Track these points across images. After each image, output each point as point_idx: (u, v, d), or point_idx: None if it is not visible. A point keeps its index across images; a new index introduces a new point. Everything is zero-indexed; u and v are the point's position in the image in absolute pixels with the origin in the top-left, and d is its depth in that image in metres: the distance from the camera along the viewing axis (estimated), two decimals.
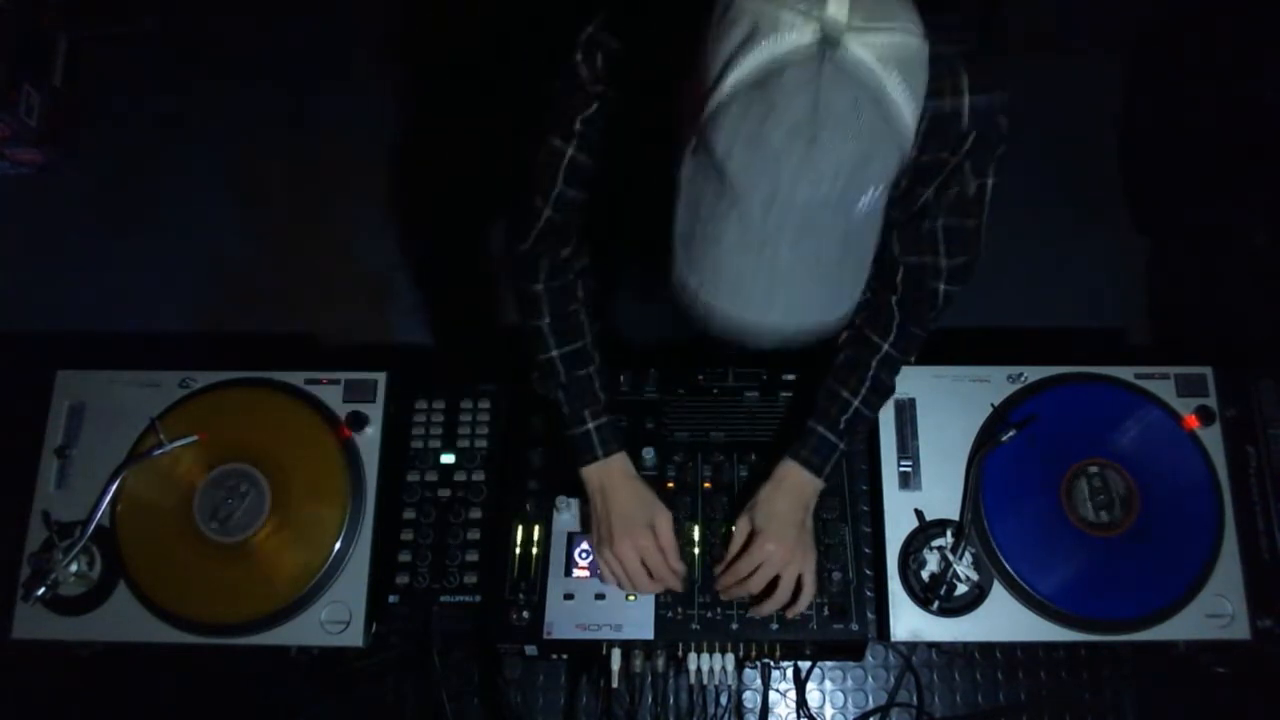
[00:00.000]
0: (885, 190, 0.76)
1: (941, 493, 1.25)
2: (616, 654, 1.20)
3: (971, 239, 1.13)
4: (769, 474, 1.18)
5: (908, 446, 1.28)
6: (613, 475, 1.18)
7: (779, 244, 0.74)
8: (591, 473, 1.18)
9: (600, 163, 1.05)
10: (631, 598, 1.20)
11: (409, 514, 1.29)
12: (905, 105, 0.72)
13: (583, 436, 1.18)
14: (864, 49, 0.69)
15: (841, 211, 0.74)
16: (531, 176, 1.08)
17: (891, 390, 1.22)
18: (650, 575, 1.17)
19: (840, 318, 0.81)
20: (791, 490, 1.17)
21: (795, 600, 1.15)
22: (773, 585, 1.15)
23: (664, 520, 1.17)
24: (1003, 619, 1.19)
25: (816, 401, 1.20)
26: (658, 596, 1.20)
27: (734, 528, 1.19)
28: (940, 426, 1.28)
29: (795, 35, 0.69)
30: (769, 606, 1.15)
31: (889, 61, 0.70)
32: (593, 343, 1.21)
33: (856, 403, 1.18)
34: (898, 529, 1.24)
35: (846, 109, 0.69)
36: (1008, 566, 1.20)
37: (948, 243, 1.12)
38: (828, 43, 0.68)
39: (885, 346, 1.19)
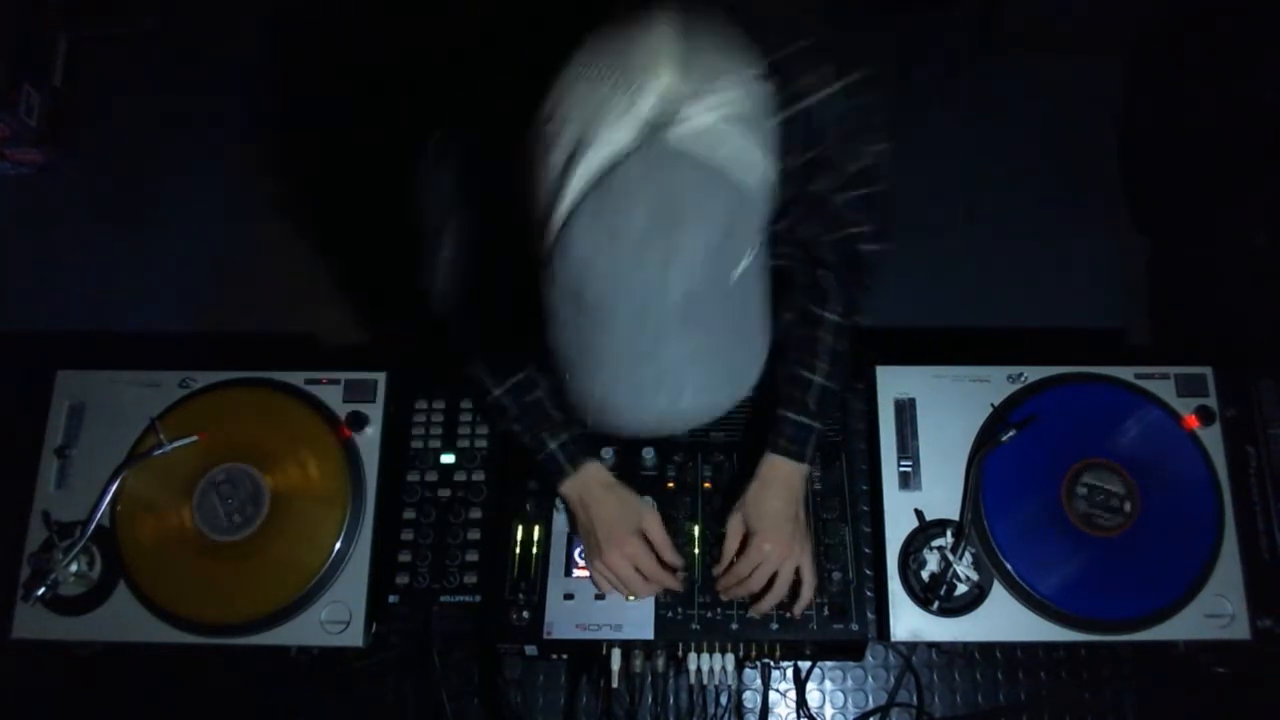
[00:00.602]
0: (759, 246, 0.72)
1: (941, 493, 1.25)
2: (616, 654, 1.20)
3: (877, 204, 1.09)
4: (754, 472, 1.18)
5: (908, 446, 1.28)
6: (590, 487, 1.18)
7: (665, 346, 0.69)
8: (568, 490, 1.19)
9: (480, 275, 1.01)
10: (632, 598, 1.20)
11: (409, 514, 1.29)
12: (754, 158, 0.68)
13: (549, 459, 1.18)
14: (692, 127, 0.65)
15: (719, 289, 0.69)
16: (426, 281, 1.05)
17: (849, 358, 1.20)
18: (646, 578, 1.17)
19: (757, 376, 0.78)
20: (779, 484, 1.16)
21: (796, 595, 1.16)
22: (772, 581, 1.15)
23: (651, 521, 1.18)
24: (1003, 619, 1.19)
25: (780, 389, 1.19)
26: (658, 597, 1.20)
27: (727, 528, 1.18)
28: (940, 426, 1.28)
29: (620, 136, 0.64)
30: (769, 602, 1.16)
31: (724, 124, 0.66)
32: (536, 367, 1.18)
33: (819, 379, 1.17)
34: (898, 529, 1.24)
35: (693, 193, 0.65)
36: (1008, 566, 1.20)
37: (855, 213, 1.10)
38: (654, 132, 0.64)
39: (831, 316, 1.17)
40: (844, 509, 1.24)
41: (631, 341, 0.69)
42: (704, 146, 0.65)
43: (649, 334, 0.68)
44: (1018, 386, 1.30)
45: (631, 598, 1.19)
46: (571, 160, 0.65)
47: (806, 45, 0.96)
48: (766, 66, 0.75)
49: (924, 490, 1.26)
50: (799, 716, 1.24)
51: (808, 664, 1.26)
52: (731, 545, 1.18)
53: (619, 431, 0.76)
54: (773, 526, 1.15)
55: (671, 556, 1.18)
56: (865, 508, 1.27)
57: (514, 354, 1.18)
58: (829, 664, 1.26)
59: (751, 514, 1.16)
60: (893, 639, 1.20)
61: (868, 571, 1.24)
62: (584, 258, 0.66)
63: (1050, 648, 1.26)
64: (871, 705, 1.25)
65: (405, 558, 1.26)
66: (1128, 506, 1.22)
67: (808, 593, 1.16)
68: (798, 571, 1.15)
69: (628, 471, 1.27)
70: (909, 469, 1.27)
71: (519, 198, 0.73)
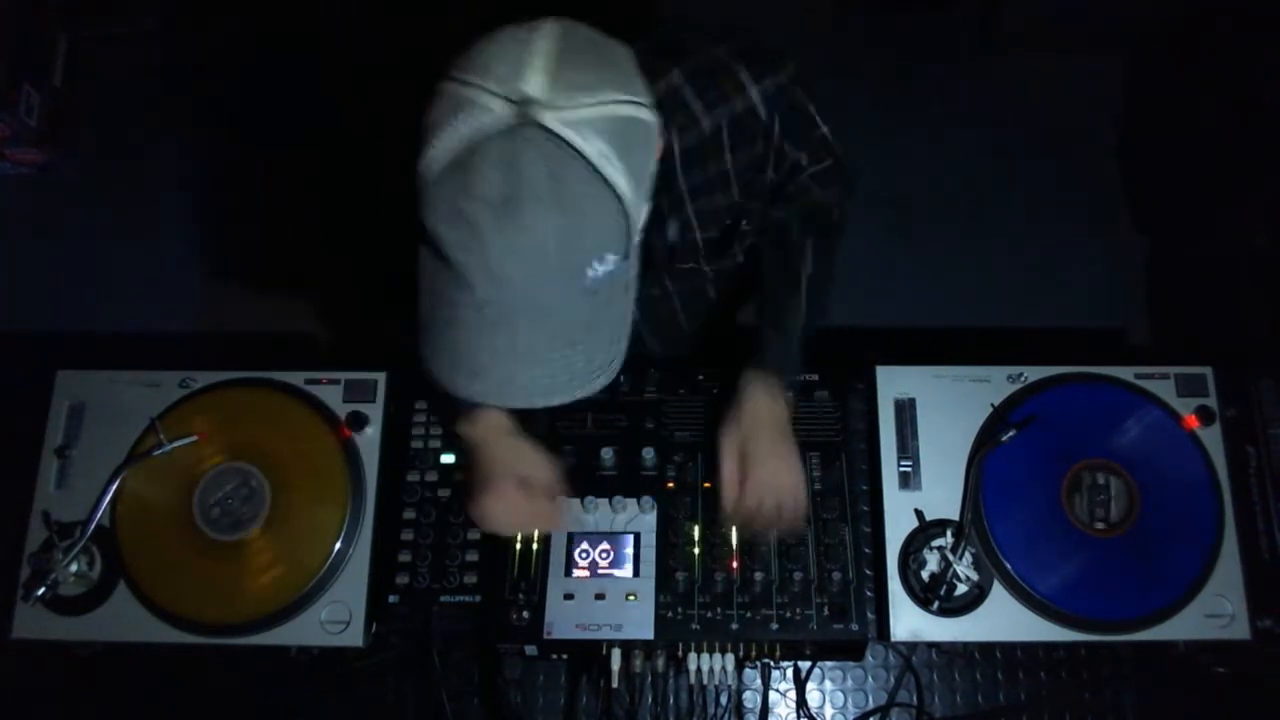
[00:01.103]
0: (626, 261, 0.77)
1: (941, 493, 1.25)
2: (616, 654, 1.20)
3: (835, 174, 1.18)
4: (740, 401, 1.15)
5: (908, 446, 1.28)
6: (486, 430, 1.17)
7: (515, 326, 0.75)
8: (465, 430, 1.18)
9: None
10: (632, 597, 1.20)
11: (409, 514, 1.29)
12: (616, 172, 0.73)
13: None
14: (562, 123, 0.71)
15: (571, 286, 0.75)
16: None
17: (832, 279, 1.22)
18: (518, 522, 1.19)
19: (600, 385, 0.82)
20: (767, 401, 1.15)
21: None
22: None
23: (539, 469, 1.18)
24: (1003, 619, 1.19)
25: (766, 311, 1.19)
26: (659, 597, 1.19)
27: (722, 456, 1.14)
28: (940, 426, 1.28)
29: (490, 114, 0.71)
30: (765, 527, 1.15)
31: (591, 132, 0.72)
32: None
33: (800, 302, 1.19)
34: (898, 529, 1.24)
35: (543, 181, 0.70)
36: (1008, 566, 1.20)
37: (817, 186, 1.18)
38: (523, 119, 0.70)
39: (803, 260, 1.20)
40: (844, 509, 1.24)
41: (481, 311, 0.75)
42: (566, 144, 0.71)
43: (498, 306, 0.75)
44: (1018, 386, 1.30)
45: (633, 596, 1.20)
46: (444, 123, 0.72)
47: (723, 56, 1.01)
48: (666, 89, 0.86)
49: (924, 490, 1.26)
50: (799, 716, 1.24)
51: (808, 664, 1.26)
52: (731, 468, 1.14)
53: (471, 398, 0.82)
54: (770, 444, 1.13)
55: (551, 518, 1.19)
56: (865, 508, 1.27)
57: None
58: (829, 664, 1.26)
59: (748, 437, 1.14)
60: (893, 639, 1.20)
61: (868, 571, 1.24)
62: (441, 213, 0.73)
63: (1050, 648, 1.26)
64: (871, 705, 1.25)
65: (405, 558, 1.26)
66: (1128, 506, 1.22)
67: (801, 515, 1.15)
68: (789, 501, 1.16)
69: (628, 471, 1.27)
70: (909, 469, 1.27)
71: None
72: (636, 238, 0.80)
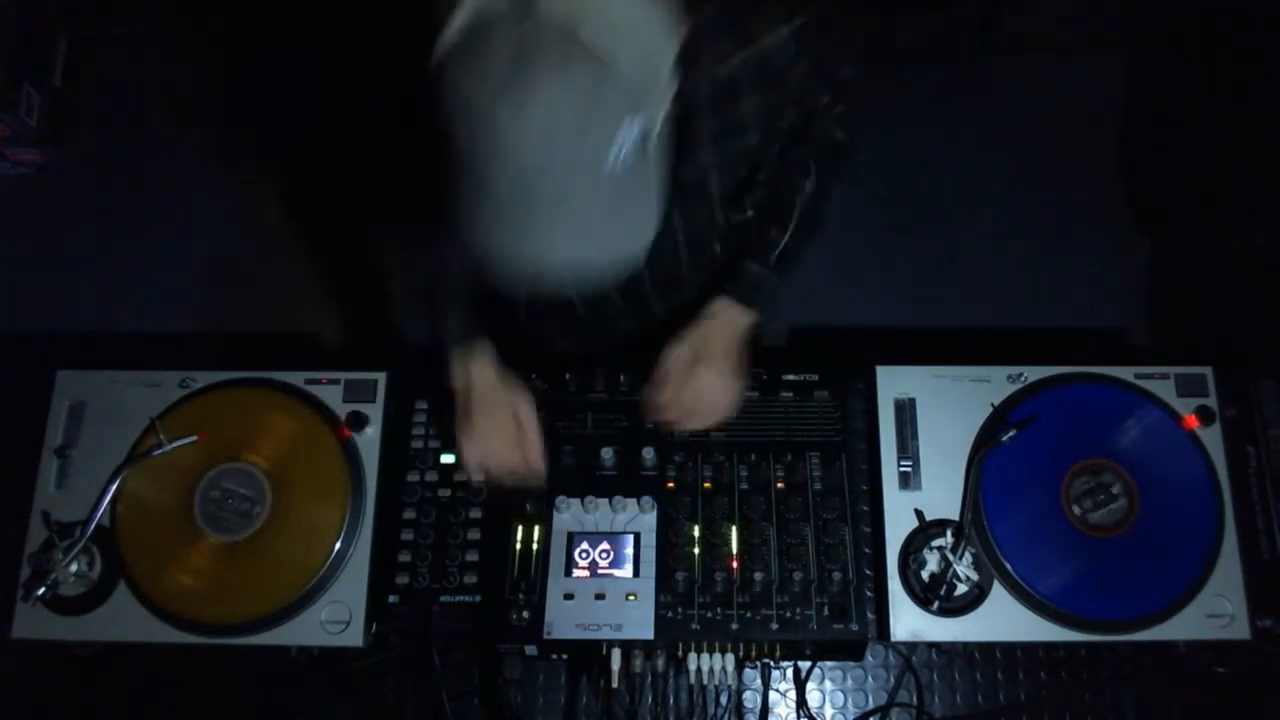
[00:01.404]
0: (647, 144, 0.78)
1: (941, 493, 1.25)
2: (616, 654, 1.20)
3: (849, 118, 1.22)
4: (705, 312, 1.23)
5: (908, 446, 1.28)
6: (476, 365, 1.22)
7: (537, 208, 0.77)
8: (455, 363, 1.22)
9: None
10: (632, 597, 1.20)
11: (409, 514, 1.29)
12: (622, 57, 0.74)
13: (446, 329, 1.22)
14: (566, 4, 0.73)
15: (591, 170, 0.76)
16: None
17: (821, 222, 1.26)
18: (505, 467, 1.22)
19: (630, 262, 0.85)
20: (728, 324, 1.22)
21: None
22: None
23: (525, 409, 1.22)
24: (1003, 619, 1.19)
25: (751, 244, 1.24)
26: (659, 597, 1.20)
27: (669, 354, 1.22)
28: (940, 426, 1.28)
29: (496, 5, 0.73)
30: (687, 425, 1.24)
31: (594, 16, 0.73)
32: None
33: (787, 238, 1.23)
34: (898, 529, 1.24)
35: (551, 63, 0.72)
36: (1008, 566, 1.20)
37: (836, 128, 1.22)
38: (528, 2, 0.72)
39: (809, 185, 1.23)
40: (844, 509, 1.24)
41: (507, 192, 0.77)
42: (570, 27, 0.72)
43: (522, 189, 0.76)
44: (1018, 386, 1.30)
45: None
46: (454, 7, 0.74)
47: None
48: (697, 23, 0.85)
49: (924, 490, 1.26)
50: (799, 716, 1.24)
51: (808, 664, 1.26)
52: (676, 370, 1.21)
53: (509, 284, 0.88)
54: (721, 363, 1.20)
55: (535, 451, 1.23)
56: (865, 508, 1.27)
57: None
58: (829, 664, 1.26)
59: (701, 348, 1.21)
60: (893, 639, 1.20)
61: (868, 571, 1.24)
62: (455, 98, 0.75)
63: (1050, 648, 1.26)
64: (871, 705, 1.25)
65: (405, 558, 1.26)
66: (1128, 507, 1.22)
67: (717, 419, 1.23)
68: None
69: (628, 471, 1.27)
70: (909, 469, 1.27)
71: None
72: (655, 127, 0.79)
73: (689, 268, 1.35)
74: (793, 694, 1.25)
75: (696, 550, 1.23)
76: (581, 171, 0.76)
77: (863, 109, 1.24)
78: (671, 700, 1.23)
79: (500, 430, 1.21)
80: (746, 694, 1.25)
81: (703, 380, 1.21)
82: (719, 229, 1.30)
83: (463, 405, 1.21)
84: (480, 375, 1.22)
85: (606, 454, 1.27)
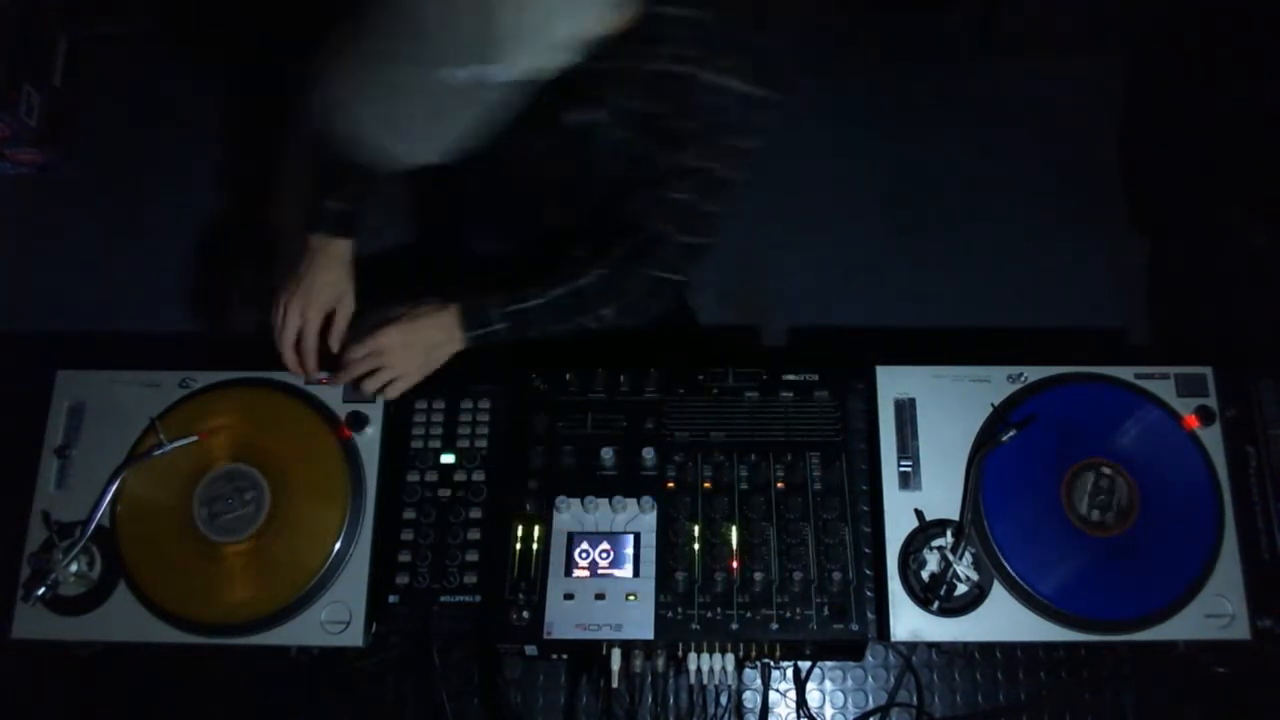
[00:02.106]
0: (490, 81, 0.86)
1: (941, 493, 1.25)
2: (616, 654, 1.20)
3: (705, 222, 1.22)
4: (430, 304, 1.27)
5: (908, 446, 1.28)
6: (328, 249, 1.29)
7: (379, 78, 0.88)
8: (313, 238, 1.29)
9: None
10: (632, 597, 1.20)
11: (409, 514, 1.29)
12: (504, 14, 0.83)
13: (323, 210, 1.30)
14: None
15: (430, 71, 0.85)
16: None
17: (571, 321, 1.28)
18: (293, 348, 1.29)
19: (411, 158, 0.93)
20: (442, 325, 1.27)
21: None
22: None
23: (343, 311, 1.30)
24: (1003, 619, 1.19)
25: (509, 284, 1.28)
26: (659, 597, 1.19)
27: (381, 328, 1.26)
28: (940, 426, 1.28)
29: None
30: (343, 378, 1.28)
31: None
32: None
33: (534, 303, 1.26)
34: (898, 529, 1.24)
35: None
36: (1008, 566, 1.20)
37: (662, 212, 1.21)
38: None
39: (589, 279, 1.26)
40: (844, 509, 1.24)
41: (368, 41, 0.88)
42: None
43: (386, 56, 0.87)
44: (1018, 386, 1.30)
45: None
46: None
47: (710, 24, 1.04)
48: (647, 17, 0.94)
49: (924, 490, 1.26)
50: (799, 716, 1.24)
51: (808, 664, 1.26)
52: (357, 333, 1.27)
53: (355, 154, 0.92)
54: (406, 336, 1.25)
55: (337, 340, 1.31)
56: (865, 508, 1.27)
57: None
58: (829, 664, 1.26)
59: (402, 319, 1.26)
60: (893, 639, 1.20)
61: (868, 571, 1.24)
62: None
63: (1050, 648, 1.26)
64: (871, 705, 1.25)
65: (405, 558, 1.26)
66: (1127, 507, 1.22)
67: (335, 378, 1.28)
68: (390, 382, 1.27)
69: (628, 471, 1.27)
70: (909, 469, 1.27)
71: None
72: (514, 75, 0.88)
73: (526, 183, 1.39)
74: (793, 694, 1.25)
75: (696, 550, 1.23)
76: (426, 66, 0.85)
77: (697, 259, 1.25)
78: (671, 700, 1.23)
79: (319, 303, 1.28)
80: (746, 694, 1.25)
81: (378, 340, 1.25)
82: (560, 189, 1.35)
83: (293, 273, 1.29)
84: (324, 267, 1.29)
85: (606, 454, 1.27)
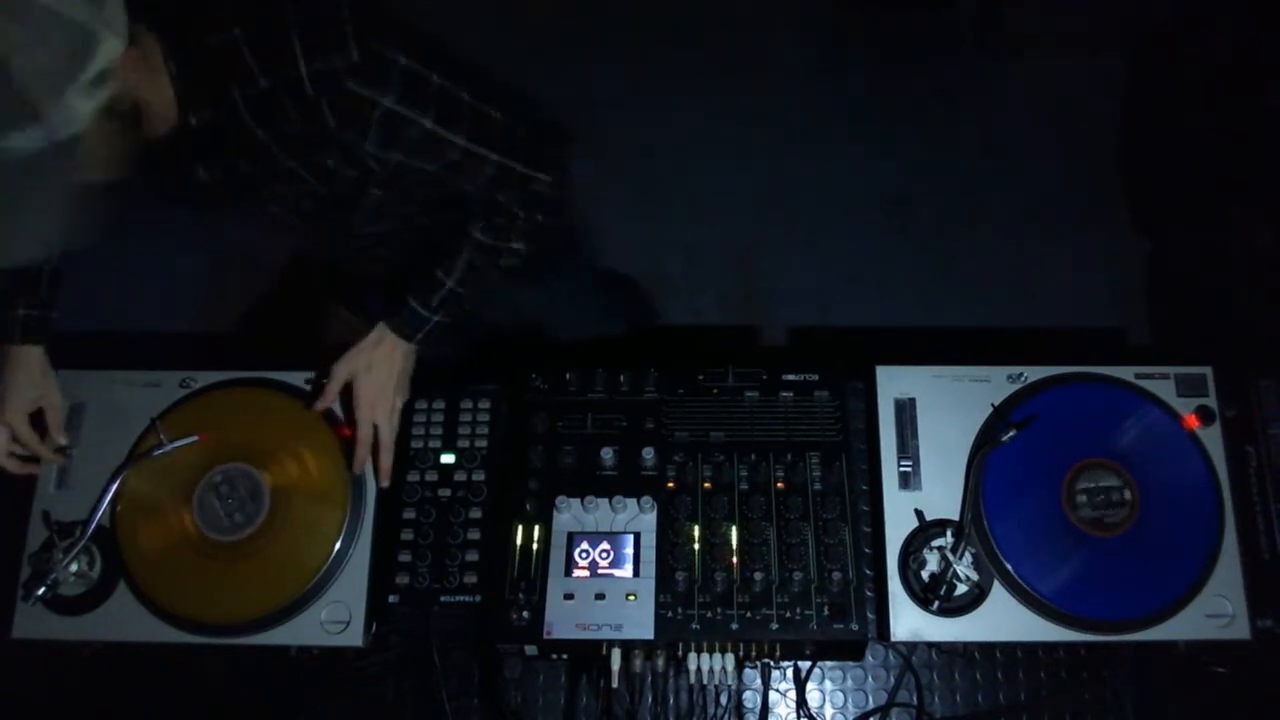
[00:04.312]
0: (59, 149, 0.84)
1: (941, 493, 1.25)
2: (616, 654, 1.20)
3: (496, 135, 1.17)
4: (363, 344, 1.30)
5: (908, 446, 1.28)
6: (18, 361, 1.28)
7: None
8: (10, 349, 1.28)
9: None
10: (632, 597, 1.20)
11: (409, 514, 1.29)
12: (20, 66, 0.79)
13: (9, 320, 1.27)
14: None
15: None
16: None
17: (494, 274, 1.29)
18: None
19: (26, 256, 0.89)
20: (385, 353, 1.29)
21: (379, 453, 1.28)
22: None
23: (52, 403, 1.30)
24: (1003, 619, 1.19)
25: (415, 281, 1.29)
26: (659, 597, 1.19)
27: (333, 370, 1.28)
28: (940, 426, 1.28)
29: None
30: (359, 453, 1.28)
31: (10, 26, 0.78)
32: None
33: (450, 283, 1.27)
34: (898, 529, 1.24)
35: None
36: (1008, 566, 1.20)
37: (476, 157, 1.17)
38: None
39: (475, 234, 1.26)
40: (844, 509, 1.24)
41: None
42: None
43: None
44: (1018, 386, 1.30)
45: (632, 597, 1.20)
46: None
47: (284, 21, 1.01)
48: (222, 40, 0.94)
49: (924, 490, 1.26)
50: (799, 716, 1.24)
51: (808, 664, 1.26)
52: (334, 389, 1.28)
53: None
54: (373, 387, 1.28)
55: (55, 436, 1.30)
56: (865, 508, 1.27)
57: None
58: (829, 664, 1.26)
59: (359, 370, 1.28)
60: (893, 639, 1.20)
61: (868, 571, 1.24)
62: None
63: (1050, 648, 1.26)
64: (871, 705, 1.25)
65: (405, 558, 1.26)
66: (1128, 507, 1.22)
67: (383, 451, 1.28)
68: (378, 431, 1.28)
69: (628, 471, 1.27)
70: (909, 469, 1.27)
71: None
72: (57, 133, 0.84)
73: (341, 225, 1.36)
74: (793, 694, 1.25)
75: (696, 550, 1.23)
76: None
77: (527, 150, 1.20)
78: (671, 700, 1.23)
79: (20, 407, 1.28)
80: (746, 694, 1.25)
81: (360, 392, 1.28)
82: (390, 235, 1.37)
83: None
84: (19, 371, 1.28)
85: (606, 454, 1.27)
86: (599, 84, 2.78)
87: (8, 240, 0.88)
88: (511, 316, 1.83)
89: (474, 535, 1.27)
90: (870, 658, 1.26)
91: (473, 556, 1.26)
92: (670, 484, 1.27)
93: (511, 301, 1.73)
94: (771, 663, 1.24)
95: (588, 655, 1.23)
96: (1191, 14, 2.51)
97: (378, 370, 1.29)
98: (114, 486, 1.24)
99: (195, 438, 1.27)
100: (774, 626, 1.18)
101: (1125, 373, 1.31)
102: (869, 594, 1.23)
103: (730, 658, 1.21)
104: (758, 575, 1.20)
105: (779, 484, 1.26)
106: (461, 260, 1.27)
